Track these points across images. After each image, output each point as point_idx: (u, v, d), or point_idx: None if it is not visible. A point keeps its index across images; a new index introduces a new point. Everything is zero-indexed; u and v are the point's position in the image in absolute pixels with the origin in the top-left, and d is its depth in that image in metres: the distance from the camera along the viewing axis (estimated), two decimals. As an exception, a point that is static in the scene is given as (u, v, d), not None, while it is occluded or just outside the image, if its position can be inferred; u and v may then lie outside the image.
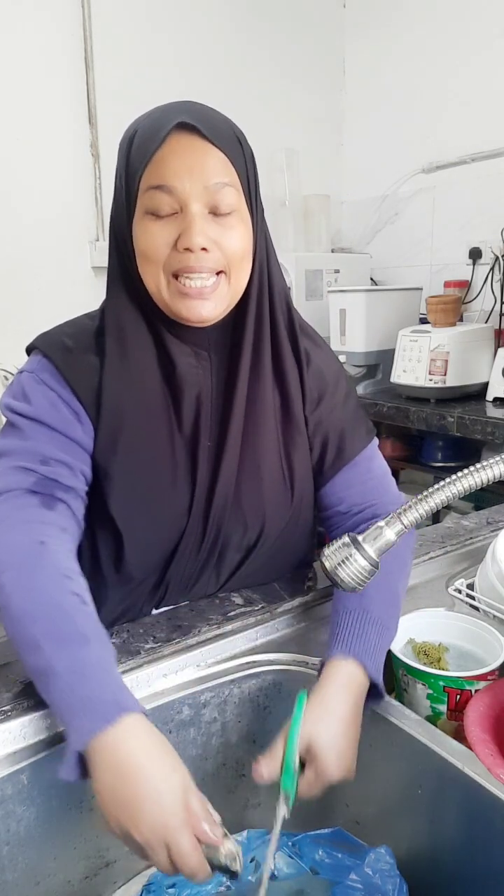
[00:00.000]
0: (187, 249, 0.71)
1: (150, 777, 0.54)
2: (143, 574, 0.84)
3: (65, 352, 0.79)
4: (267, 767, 0.63)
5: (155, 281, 0.74)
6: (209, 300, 0.74)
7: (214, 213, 0.73)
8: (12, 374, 2.05)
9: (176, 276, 0.73)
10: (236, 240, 0.74)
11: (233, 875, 0.55)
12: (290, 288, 2.37)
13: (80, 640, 0.60)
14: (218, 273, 0.74)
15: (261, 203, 0.80)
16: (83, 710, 0.56)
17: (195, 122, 0.70)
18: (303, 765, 0.64)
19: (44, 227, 2.20)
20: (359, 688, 0.67)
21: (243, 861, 0.56)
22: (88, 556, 0.84)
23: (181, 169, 0.70)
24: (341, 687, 0.67)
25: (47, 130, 2.16)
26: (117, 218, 0.78)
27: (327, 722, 0.64)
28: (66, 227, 2.24)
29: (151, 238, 0.72)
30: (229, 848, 0.55)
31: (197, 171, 0.70)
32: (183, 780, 0.55)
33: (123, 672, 0.70)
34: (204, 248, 0.71)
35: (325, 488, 0.89)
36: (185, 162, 0.70)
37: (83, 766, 0.56)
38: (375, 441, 0.92)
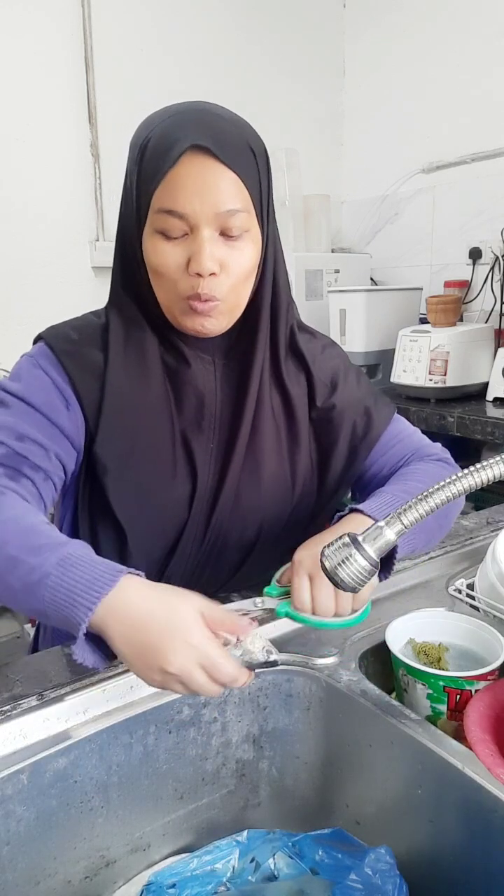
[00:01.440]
0: (197, 274, 0.72)
1: (161, 617, 0.57)
2: (145, 567, 0.84)
3: (68, 342, 0.81)
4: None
5: (167, 297, 0.76)
6: (214, 317, 0.76)
7: (225, 234, 0.73)
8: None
9: (185, 297, 0.75)
10: (244, 261, 0.75)
11: (272, 664, 0.60)
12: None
13: (61, 544, 0.62)
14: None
15: (272, 209, 0.80)
16: (83, 588, 0.58)
17: (209, 142, 0.70)
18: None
19: (44, 226, 2.20)
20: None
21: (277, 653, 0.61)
22: None
23: (193, 193, 0.70)
24: (341, 524, 0.75)
25: (47, 130, 2.16)
26: (125, 222, 0.78)
27: (308, 541, 0.74)
28: (66, 226, 2.24)
29: (163, 258, 0.73)
30: (259, 641, 0.60)
31: (209, 196, 0.70)
32: (192, 605, 0.59)
33: (125, 671, 0.70)
34: (213, 273, 0.72)
35: (365, 462, 0.92)
36: (196, 186, 0.70)
37: (100, 649, 0.59)
38: (395, 410, 0.96)
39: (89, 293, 2.28)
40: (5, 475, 0.73)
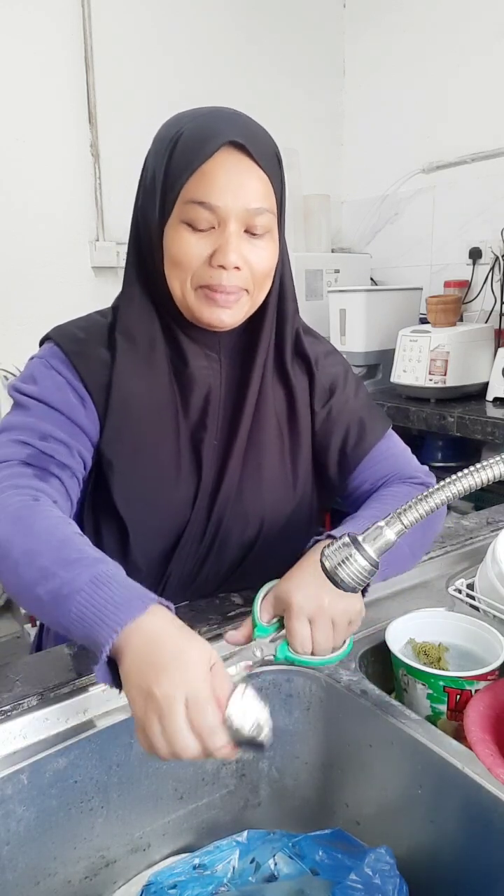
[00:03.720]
0: (221, 266, 0.73)
1: (178, 644, 0.54)
2: (147, 565, 0.85)
3: (76, 342, 0.81)
4: (238, 632, 0.70)
5: (182, 287, 0.76)
6: (231, 309, 0.76)
7: (249, 232, 0.74)
8: (12, 375, 2.05)
9: (203, 286, 0.75)
10: (265, 260, 0.76)
11: (259, 746, 0.53)
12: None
13: (95, 560, 0.60)
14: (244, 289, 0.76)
15: (284, 218, 0.81)
16: (115, 608, 0.56)
17: (245, 141, 0.71)
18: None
19: (44, 227, 2.20)
20: None
21: (269, 736, 0.53)
22: None
23: (226, 188, 0.71)
24: (313, 553, 0.72)
25: (47, 130, 2.16)
26: (144, 215, 0.78)
27: (294, 575, 0.70)
28: (66, 227, 2.24)
29: (186, 248, 0.74)
30: (254, 717, 0.52)
31: (241, 192, 0.72)
32: (211, 652, 0.55)
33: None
34: (237, 267, 0.73)
35: (352, 472, 0.91)
36: (230, 181, 0.72)
37: (115, 672, 0.56)
38: (391, 426, 0.95)
39: (89, 293, 2.28)
40: (35, 476, 0.73)
